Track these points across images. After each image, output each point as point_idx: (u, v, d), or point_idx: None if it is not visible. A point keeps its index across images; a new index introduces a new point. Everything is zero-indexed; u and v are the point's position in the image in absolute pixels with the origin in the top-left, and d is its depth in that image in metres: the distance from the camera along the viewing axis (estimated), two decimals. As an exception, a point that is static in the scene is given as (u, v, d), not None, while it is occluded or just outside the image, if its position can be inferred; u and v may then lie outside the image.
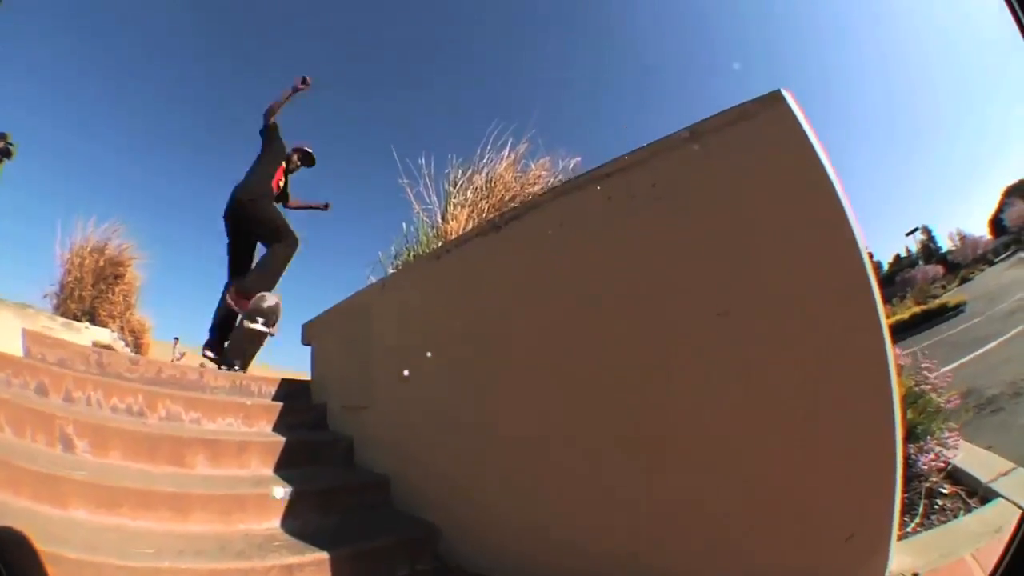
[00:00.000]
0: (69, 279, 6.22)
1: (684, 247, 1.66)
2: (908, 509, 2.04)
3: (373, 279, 4.16)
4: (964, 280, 33.68)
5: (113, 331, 5.60)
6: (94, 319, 5.98)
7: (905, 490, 2.07)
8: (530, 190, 4.46)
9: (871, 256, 1.42)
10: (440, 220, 4.31)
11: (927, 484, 2.15)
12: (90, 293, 6.27)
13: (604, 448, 1.79)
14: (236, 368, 3.90)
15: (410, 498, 2.54)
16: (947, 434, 2.30)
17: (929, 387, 2.46)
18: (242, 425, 2.85)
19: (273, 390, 3.46)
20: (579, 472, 1.86)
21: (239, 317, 4.11)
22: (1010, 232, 40.24)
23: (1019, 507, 1.83)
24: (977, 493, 2.09)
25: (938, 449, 2.24)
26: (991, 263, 37.93)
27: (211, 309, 4.33)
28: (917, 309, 16.83)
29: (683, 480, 1.59)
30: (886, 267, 53.79)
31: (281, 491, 2.17)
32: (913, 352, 2.63)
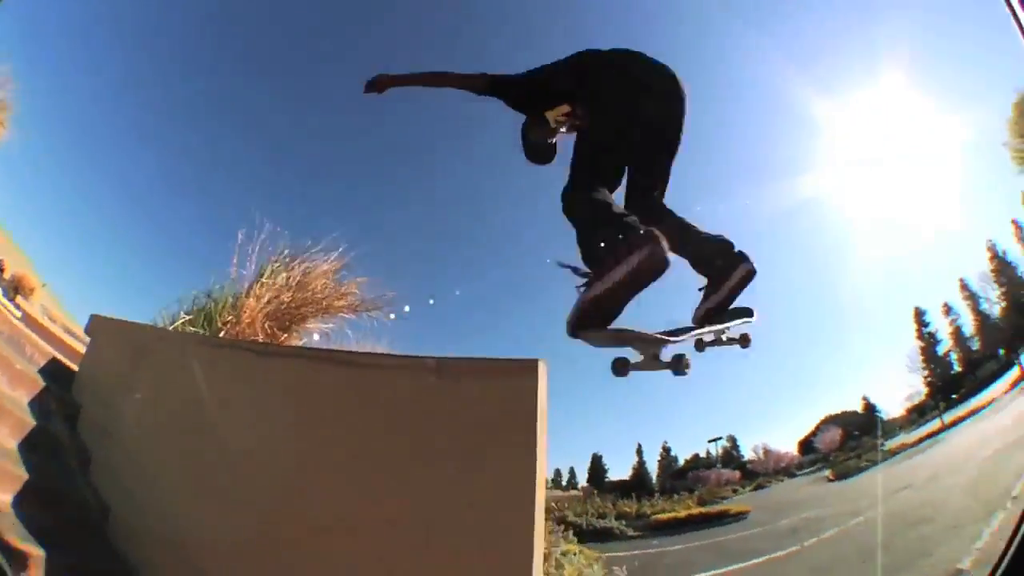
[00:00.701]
0: None
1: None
2: None
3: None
4: (759, 487, 34.41)
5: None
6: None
7: None
8: (337, 304, 4.83)
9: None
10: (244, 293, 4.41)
11: None
12: None
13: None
14: None
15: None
16: None
17: None
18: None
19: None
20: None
21: None
22: (819, 452, 43.38)
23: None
24: None
25: None
26: (792, 475, 39.58)
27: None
28: (695, 511, 16.51)
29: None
30: (682, 463, 56.64)
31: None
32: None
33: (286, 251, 4.70)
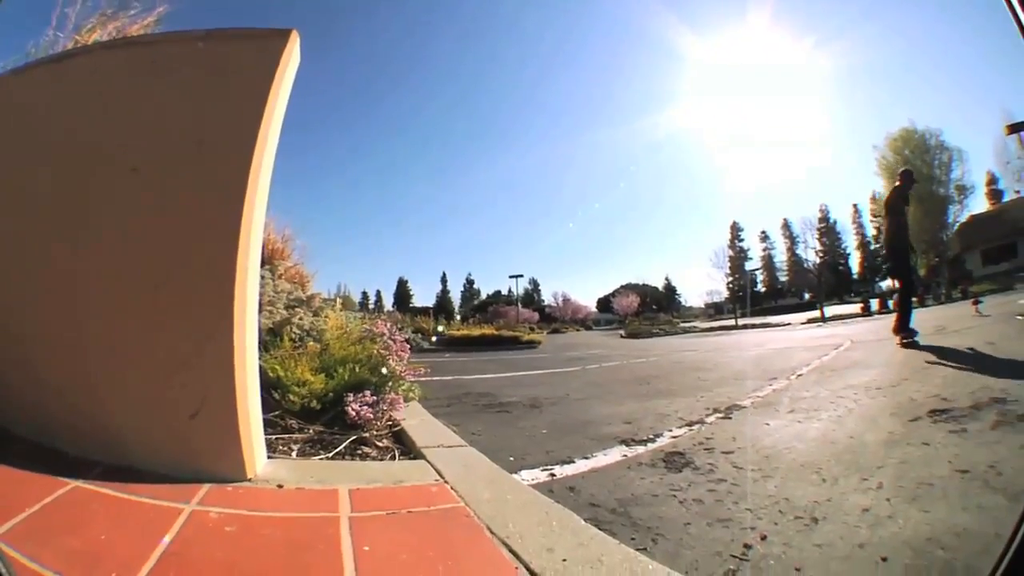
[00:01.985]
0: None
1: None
2: (329, 447, 2.08)
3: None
4: (556, 331, 37.76)
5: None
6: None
7: (336, 435, 2.19)
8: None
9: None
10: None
11: (364, 435, 2.24)
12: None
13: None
14: None
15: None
16: (391, 396, 2.50)
17: (391, 354, 2.80)
18: None
19: None
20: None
21: None
22: (616, 313, 48.55)
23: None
24: (410, 454, 2.19)
25: (380, 407, 2.39)
26: (588, 328, 44.29)
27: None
28: (489, 331, 18.86)
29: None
30: (484, 297, 60.75)
31: None
32: (389, 326, 3.10)
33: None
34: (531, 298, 59.43)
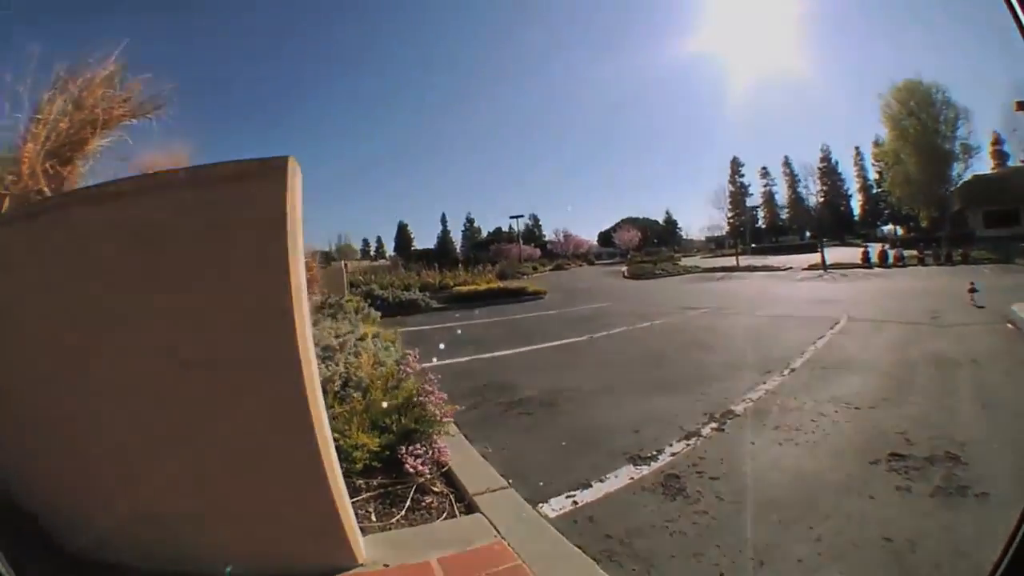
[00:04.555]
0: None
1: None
2: (398, 501, 2.61)
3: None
4: (559, 268, 37.35)
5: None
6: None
7: (397, 483, 2.72)
8: (117, 113, 4.16)
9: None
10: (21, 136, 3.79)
11: (420, 481, 2.74)
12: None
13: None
14: None
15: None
16: (439, 444, 3.03)
17: (429, 400, 3.22)
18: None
19: None
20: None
21: None
22: (617, 248, 48.86)
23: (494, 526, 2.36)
24: (464, 500, 2.68)
25: (428, 454, 2.90)
26: (591, 263, 44.04)
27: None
28: (496, 285, 18.60)
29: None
30: (485, 236, 60.58)
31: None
32: (424, 370, 3.61)
33: (61, 73, 4.00)
34: (532, 235, 59.51)
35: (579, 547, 2.21)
